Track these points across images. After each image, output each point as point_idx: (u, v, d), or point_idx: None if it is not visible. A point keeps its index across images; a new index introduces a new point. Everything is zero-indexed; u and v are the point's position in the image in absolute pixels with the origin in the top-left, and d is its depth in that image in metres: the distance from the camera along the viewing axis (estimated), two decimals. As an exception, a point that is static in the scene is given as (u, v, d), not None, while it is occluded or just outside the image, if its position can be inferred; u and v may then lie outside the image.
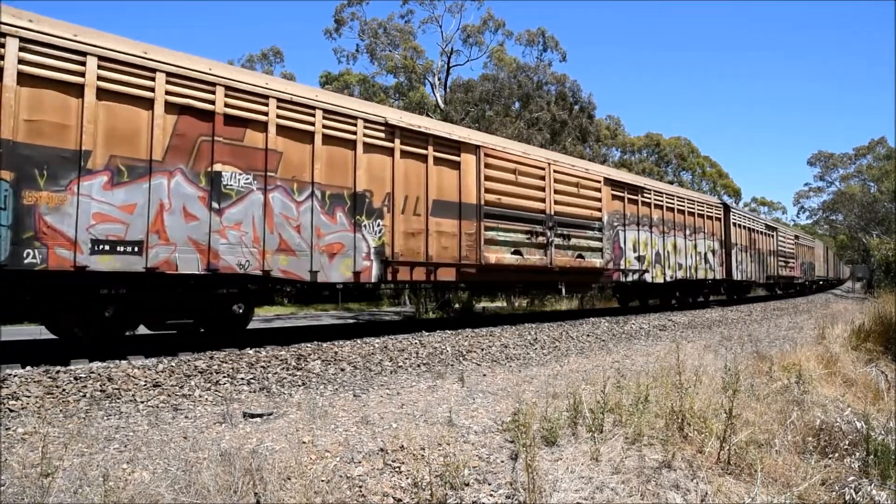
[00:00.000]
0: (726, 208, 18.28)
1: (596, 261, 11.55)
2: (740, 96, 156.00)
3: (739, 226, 18.91)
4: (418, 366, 6.63)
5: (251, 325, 8.14)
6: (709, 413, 4.05)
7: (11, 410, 4.15)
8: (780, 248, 24.40)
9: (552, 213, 10.42)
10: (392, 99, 26.20)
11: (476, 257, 9.01)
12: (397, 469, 3.20)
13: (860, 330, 9.51)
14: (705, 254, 16.30)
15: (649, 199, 13.78)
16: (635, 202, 13.23)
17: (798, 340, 9.19)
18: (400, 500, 2.93)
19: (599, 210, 11.73)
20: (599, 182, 11.86)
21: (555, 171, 10.61)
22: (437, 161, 8.71)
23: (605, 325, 10.83)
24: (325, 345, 6.85)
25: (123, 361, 5.48)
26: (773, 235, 23.35)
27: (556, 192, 10.56)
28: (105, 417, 4.14)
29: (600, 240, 11.67)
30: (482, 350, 7.65)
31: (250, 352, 6.19)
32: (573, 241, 10.95)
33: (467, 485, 3.07)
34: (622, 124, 39.34)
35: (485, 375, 6.18)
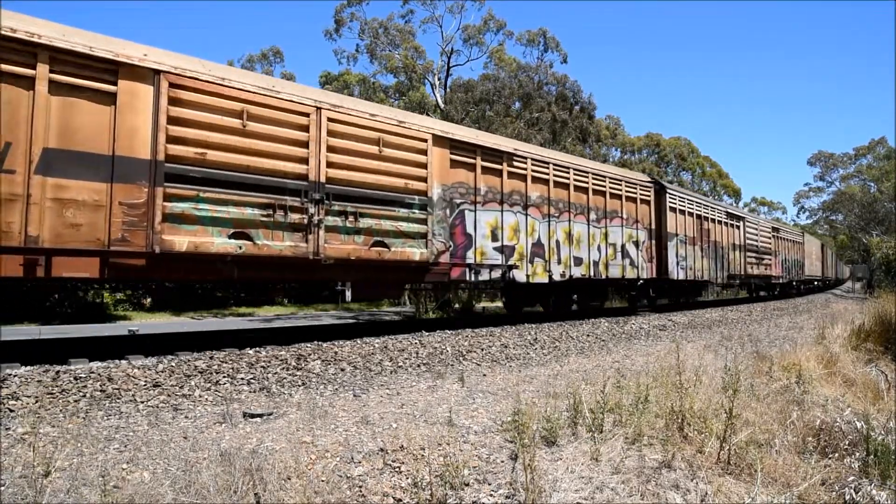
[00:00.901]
0: (660, 188, 14.35)
1: (414, 251, 8.18)
2: (740, 96, 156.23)
3: (682, 211, 15.11)
4: (418, 366, 6.63)
5: (252, 325, 8.13)
6: (709, 413, 4.05)
7: (11, 410, 4.15)
8: (748, 241, 20.34)
9: (322, 179, 7.18)
10: (392, 99, 26.22)
11: (146, 242, 5.84)
12: (397, 469, 3.20)
13: (860, 330, 9.51)
14: (623, 246, 12.64)
15: (523, 169, 10.16)
16: (497, 173, 9.69)
17: (798, 340, 9.19)
18: (400, 500, 2.93)
19: (424, 180, 8.37)
20: (425, 141, 8.46)
21: (330, 120, 7.32)
22: (61, 90, 5.46)
23: (605, 325, 10.83)
24: (325, 345, 6.85)
25: (123, 361, 5.48)
26: (738, 226, 19.47)
27: (331, 149, 7.30)
28: (105, 417, 4.14)
29: (424, 221, 8.34)
30: (482, 350, 7.65)
31: (250, 352, 6.19)
32: (367, 223, 7.64)
33: (467, 485, 3.07)
34: (622, 124, 39.45)
35: (485, 375, 6.18)
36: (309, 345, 6.83)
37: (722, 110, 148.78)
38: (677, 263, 14.66)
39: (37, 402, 4.29)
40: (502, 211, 9.79)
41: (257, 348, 6.43)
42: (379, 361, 6.54)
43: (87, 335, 8.19)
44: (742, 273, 19.58)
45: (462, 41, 26.85)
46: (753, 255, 20.81)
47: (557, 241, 10.91)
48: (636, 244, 13.22)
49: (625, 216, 12.82)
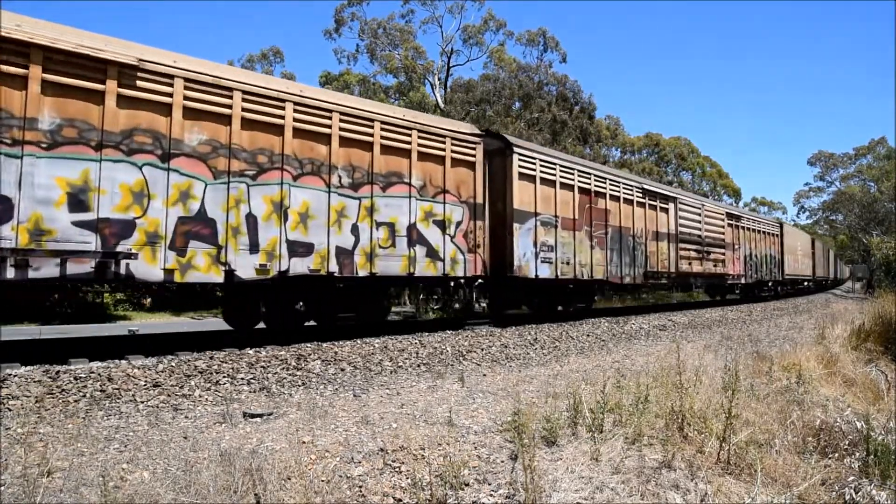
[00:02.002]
0: (503, 146, 10.03)
1: None
2: (740, 96, 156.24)
3: (549, 182, 10.64)
4: (418, 366, 6.63)
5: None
6: (709, 413, 4.05)
7: (11, 410, 4.15)
8: (684, 229, 15.34)
9: None
10: (392, 99, 26.23)
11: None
12: (397, 469, 3.20)
13: (860, 330, 9.50)
14: (413, 227, 8.47)
15: (161, 93, 6.10)
16: (98, 99, 5.67)
17: (798, 340, 9.19)
18: (400, 500, 2.93)
19: None
20: None
21: None
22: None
23: (605, 325, 10.83)
24: (325, 345, 6.85)
25: (123, 361, 5.48)
26: (665, 208, 14.66)
27: None
28: (105, 417, 4.14)
29: None
30: (482, 350, 7.65)
31: (250, 352, 6.19)
32: None
33: (467, 485, 3.07)
34: (622, 124, 39.41)
35: (485, 375, 6.18)
36: (309, 345, 6.83)
37: (722, 110, 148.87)
38: (536, 255, 10.23)
39: (37, 402, 4.29)
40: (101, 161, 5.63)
41: (257, 348, 6.44)
42: (379, 361, 6.54)
43: (88, 335, 8.19)
44: (672, 271, 14.66)
45: (462, 41, 26.91)
46: (693, 247, 15.82)
47: (251, 217, 6.74)
48: (441, 225, 8.80)
49: (417, 183, 8.51)
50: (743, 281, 19.51)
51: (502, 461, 3.38)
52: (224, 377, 5.36)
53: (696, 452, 3.67)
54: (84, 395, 4.57)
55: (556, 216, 10.85)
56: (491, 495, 2.99)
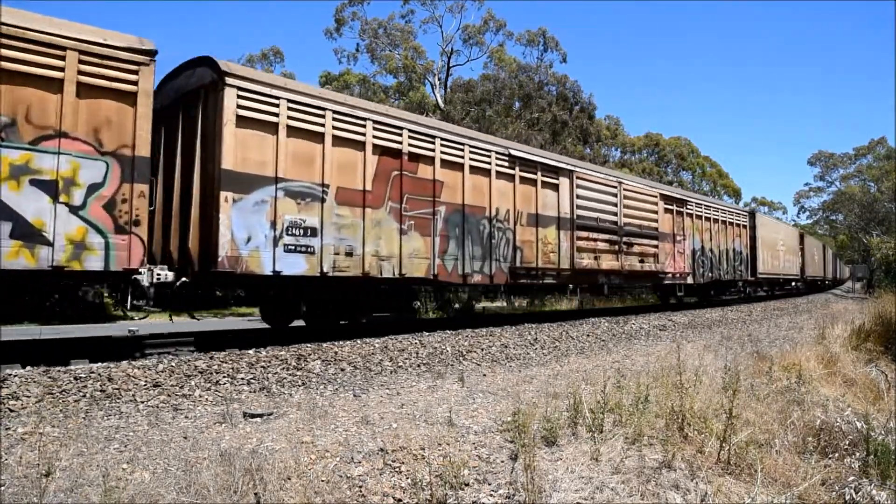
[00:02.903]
0: (218, 73, 6.60)
1: None
2: (740, 96, 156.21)
3: (311, 133, 7.34)
4: (418, 366, 6.63)
5: (253, 325, 8.11)
6: (709, 413, 4.05)
7: (11, 410, 4.15)
8: (583, 212, 11.62)
9: None
10: (392, 99, 26.24)
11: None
12: (397, 469, 3.20)
13: (860, 330, 9.51)
14: None
15: None
16: None
17: (798, 340, 9.19)
18: (400, 500, 2.93)
19: None
20: None
21: None
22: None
23: (605, 325, 10.83)
24: (325, 345, 6.85)
25: (123, 361, 5.48)
26: (554, 184, 11.03)
27: None
28: (105, 417, 4.14)
29: None
30: (482, 350, 7.66)
31: (250, 352, 6.19)
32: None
33: (467, 485, 3.07)
34: (622, 124, 39.45)
35: (485, 375, 6.18)
36: (309, 345, 6.83)
37: (722, 110, 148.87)
38: (276, 241, 6.93)
39: (37, 402, 4.29)
40: None
41: (257, 348, 6.44)
42: (379, 361, 6.54)
43: (87, 335, 8.19)
44: (563, 267, 11.06)
45: (462, 41, 26.91)
46: (602, 237, 12.17)
47: None
48: (51, 189, 5.47)
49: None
50: (690, 280, 15.68)
51: (502, 461, 3.38)
52: (224, 377, 5.36)
53: (697, 452, 3.67)
54: (84, 396, 4.57)
55: (323, 185, 7.37)
56: (491, 495, 2.99)
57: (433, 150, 8.86)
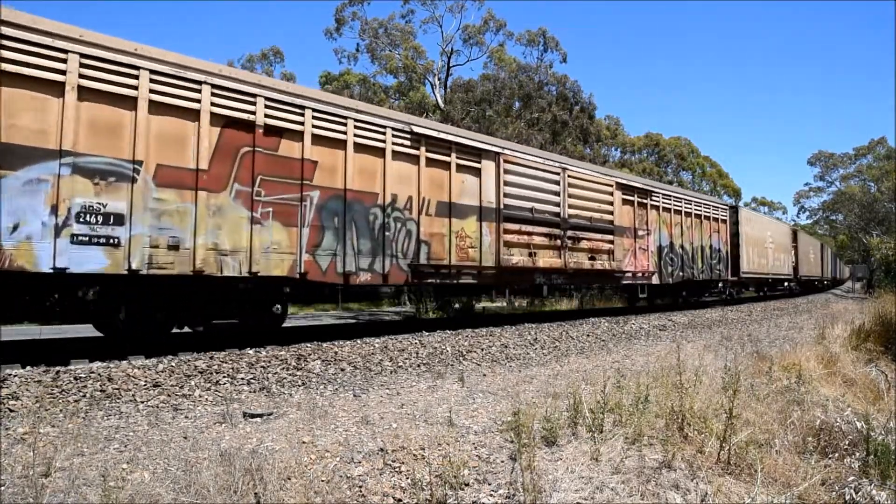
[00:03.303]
0: None
1: None
2: (740, 96, 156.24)
3: (115, 97, 5.81)
4: (418, 366, 6.63)
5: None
6: (709, 413, 4.05)
7: (11, 410, 4.15)
8: (512, 202, 10.04)
9: None
10: (392, 99, 26.24)
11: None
12: (397, 469, 3.20)
13: (860, 330, 9.50)
14: None
15: None
16: None
17: (798, 340, 9.19)
18: (400, 500, 2.93)
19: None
20: None
21: None
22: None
23: (605, 325, 10.83)
24: (325, 345, 6.85)
25: (123, 361, 5.48)
26: (475, 168, 9.53)
27: None
28: (105, 417, 4.14)
29: None
30: (482, 350, 7.65)
31: (250, 352, 6.19)
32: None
33: (467, 485, 3.07)
34: (622, 124, 39.47)
35: (485, 375, 6.18)
36: (309, 345, 6.84)
37: (722, 110, 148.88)
38: (60, 229, 5.50)
39: (37, 402, 4.29)
40: None
41: (257, 348, 6.44)
42: (379, 361, 6.54)
43: (88, 335, 8.19)
44: (486, 265, 9.57)
45: (462, 41, 26.89)
46: (539, 230, 10.58)
47: None
48: None
49: None
50: (656, 280, 14.05)
51: (502, 461, 3.38)
52: (224, 377, 5.36)
53: (697, 452, 3.67)
54: (84, 396, 4.57)
55: (134, 161, 5.93)
56: (491, 495, 2.99)
57: (302, 124, 7.29)
